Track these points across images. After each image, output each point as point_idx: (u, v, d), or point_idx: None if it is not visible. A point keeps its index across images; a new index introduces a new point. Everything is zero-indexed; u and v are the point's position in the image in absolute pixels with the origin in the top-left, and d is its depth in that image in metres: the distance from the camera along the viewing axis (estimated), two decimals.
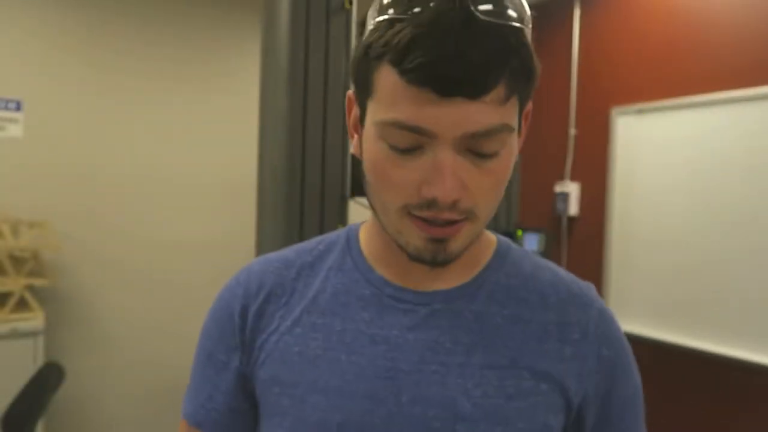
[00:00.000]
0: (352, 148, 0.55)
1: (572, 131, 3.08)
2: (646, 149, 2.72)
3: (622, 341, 0.60)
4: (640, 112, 2.74)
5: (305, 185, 1.51)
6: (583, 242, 3.03)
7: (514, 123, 0.47)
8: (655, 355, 2.68)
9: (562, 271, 0.62)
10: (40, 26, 2.48)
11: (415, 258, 0.50)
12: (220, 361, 0.59)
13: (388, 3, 0.45)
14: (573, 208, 3.02)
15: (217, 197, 3.02)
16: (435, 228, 0.48)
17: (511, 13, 0.44)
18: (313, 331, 0.56)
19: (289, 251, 0.63)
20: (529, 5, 0.49)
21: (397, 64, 0.43)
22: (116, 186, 2.71)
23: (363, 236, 0.61)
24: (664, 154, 2.64)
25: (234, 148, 3.06)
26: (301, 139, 1.51)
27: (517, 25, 0.44)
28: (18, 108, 2.45)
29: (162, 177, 2.85)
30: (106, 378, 2.74)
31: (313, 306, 0.57)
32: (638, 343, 2.73)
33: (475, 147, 0.46)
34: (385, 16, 0.44)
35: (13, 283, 2.23)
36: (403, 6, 0.43)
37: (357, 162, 1.68)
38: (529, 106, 0.54)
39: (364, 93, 0.49)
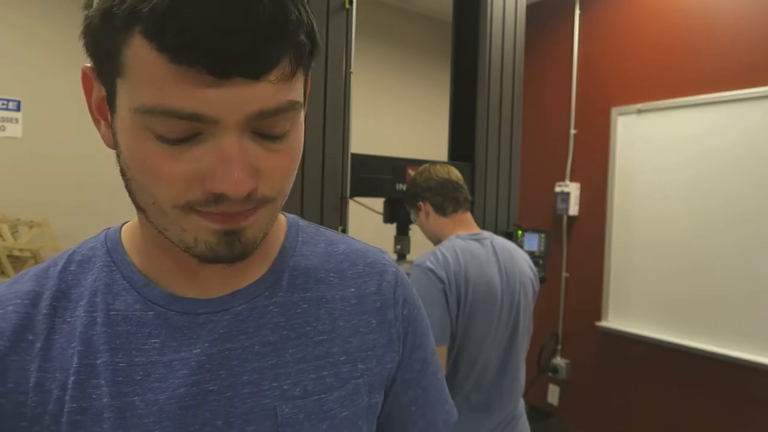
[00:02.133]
0: (101, 137, 0.44)
1: (572, 131, 3.08)
2: (646, 149, 2.71)
3: (419, 302, 0.60)
4: (640, 112, 2.74)
5: (305, 185, 1.50)
6: (583, 242, 3.03)
7: (302, 98, 0.43)
8: (655, 355, 2.68)
9: (355, 242, 0.60)
10: (40, 26, 2.48)
11: (209, 258, 0.42)
12: None
13: None
14: (573, 208, 3.01)
15: None
16: (228, 218, 0.41)
17: None
18: (92, 376, 0.44)
19: (24, 282, 0.48)
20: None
21: (154, 37, 0.35)
22: (116, 186, 2.70)
23: (129, 244, 0.50)
24: (664, 154, 2.64)
25: None
26: None
27: None
28: (18, 108, 2.45)
29: None
30: None
31: (81, 344, 0.45)
32: (638, 343, 2.73)
33: (262, 128, 0.40)
34: None
35: None
36: None
37: (357, 162, 1.68)
38: (308, 79, 0.49)
39: (111, 71, 0.39)
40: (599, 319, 2.91)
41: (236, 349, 0.47)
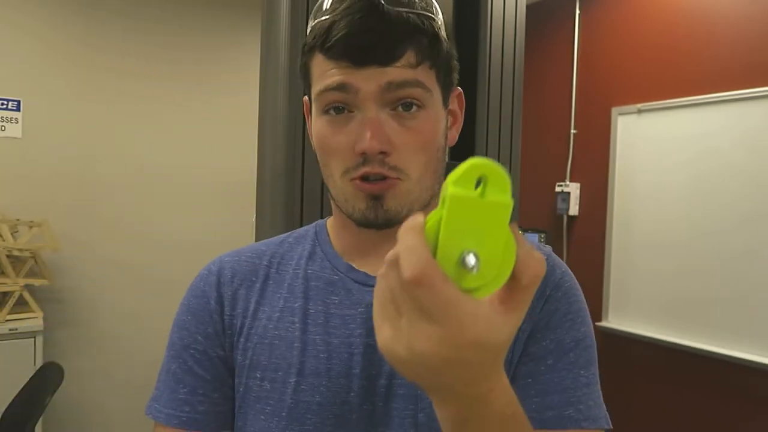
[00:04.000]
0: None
1: (572, 131, 3.08)
2: (646, 149, 2.71)
3: (573, 290, 0.66)
4: (640, 112, 2.74)
5: (305, 185, 1.50)
6: (583, 242, 3.03)
7: (431, 86, 0.55)
8: (655, 355, 2.68)
9: None
10: (39, 26, 2.48)
11: (362, 221, 0.55)
12: (200, 351, 0.60)
13: (316, 8, 0.55)
14: (573, 208, 3.01)
15: (216, 197, 3.02)
16: (369, 184, 0.54)
17: (415, 2, 0.54)
18: (290, 314, 0.59)
19: (258, 244, 0.68)
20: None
21: (322, 46, 0.53)
22: (116, 186, 2.71)
23: (329, 228, 0.68)
24: (664, 154, 2.64)
25: (234, 147, 3.06)
26: (301, 139, 1.50)
27: (420, 11, 0.54)
28: (18, 108, 2.45)
29: (161, 177, 2.85)
30: (106, 378, 2.74)
31: (287, 291, 0.61)
32: (638, 343, 2.73)
33: (395, 100, 0.53)
34: (314, 20, 0.55)
35: (13, 283, 2.23)
36: (326, 6, 0.54)
37: None
38: (458, 90, 0.62)
39: (308, 87, 0.57)
40: (599, 319, 2.91)
41: None
